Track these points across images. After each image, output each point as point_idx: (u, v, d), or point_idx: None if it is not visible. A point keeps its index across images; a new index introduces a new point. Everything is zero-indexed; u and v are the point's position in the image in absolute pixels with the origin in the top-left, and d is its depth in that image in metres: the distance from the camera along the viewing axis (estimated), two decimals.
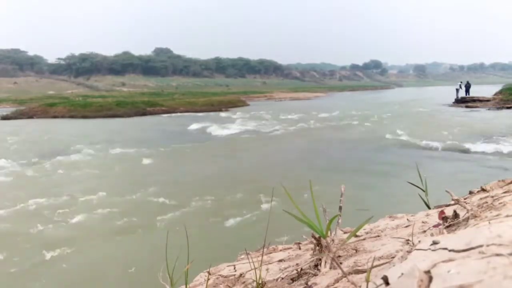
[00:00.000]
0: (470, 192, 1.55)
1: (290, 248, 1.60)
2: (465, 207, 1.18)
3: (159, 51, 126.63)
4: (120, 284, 5.84)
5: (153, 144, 17.60)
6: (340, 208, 1.28)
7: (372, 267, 0.89)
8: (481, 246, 0.57)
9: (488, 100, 31.82)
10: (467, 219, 1.09)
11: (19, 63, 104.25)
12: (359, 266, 1.06)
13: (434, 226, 1.17)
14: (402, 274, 0.58)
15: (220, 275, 1.41)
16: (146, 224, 7.86)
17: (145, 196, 9.79)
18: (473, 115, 25.78)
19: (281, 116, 29.76)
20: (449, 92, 41.74)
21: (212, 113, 35.22)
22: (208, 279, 1.37)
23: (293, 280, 1.15)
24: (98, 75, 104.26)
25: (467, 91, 34.82)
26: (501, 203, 1.13)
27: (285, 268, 1.30)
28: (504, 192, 1.30)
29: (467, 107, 30.88)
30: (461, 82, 35.50)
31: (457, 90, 34.55)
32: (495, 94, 33.52)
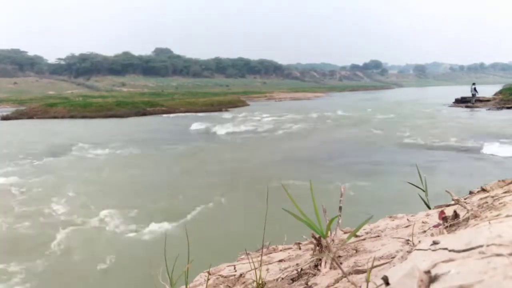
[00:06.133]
0: (470, 192, 1.55)
1: (290, 248, 1.60)
2: (465, 207, 1.18)
3: (159, 51, 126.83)
4: (121, 284, 5.84)
5: (154, 145, 17.60)
6: (340, 208, 1.28)
7: (372, 267, 0.89)
8: (481, 246, 0.57)
9: (488, 100, 31.78)
10: (467, 219, 1.09)
11: (19, 63, 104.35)
12: (359, 266, 1.06)
13: (434, 226, 1.17)
14: (402, 274, 0.58)
15: (220, 275, 1.41)
16: (145, 225, 7.86)
17: (145, 196, 9.78)
18: (473, 115, 25.81)
19: (281, 116, 29.75)
20: (449, 92, 41.67)
21: (213, 113, 35.22)
22: (208, 279, 1.37)
23: (293, 280, 1.15)
24: (98, 75, 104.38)
25: None
26: (501, 203, 1.13)
27: (285, 268, 1.30)
28: (504, 192, 1.30)
29: (467, 107, 30.85)
30: (473, 84, 31.33)
31: (473, 95, 30.89)
32: (495, 94, 33.48)
